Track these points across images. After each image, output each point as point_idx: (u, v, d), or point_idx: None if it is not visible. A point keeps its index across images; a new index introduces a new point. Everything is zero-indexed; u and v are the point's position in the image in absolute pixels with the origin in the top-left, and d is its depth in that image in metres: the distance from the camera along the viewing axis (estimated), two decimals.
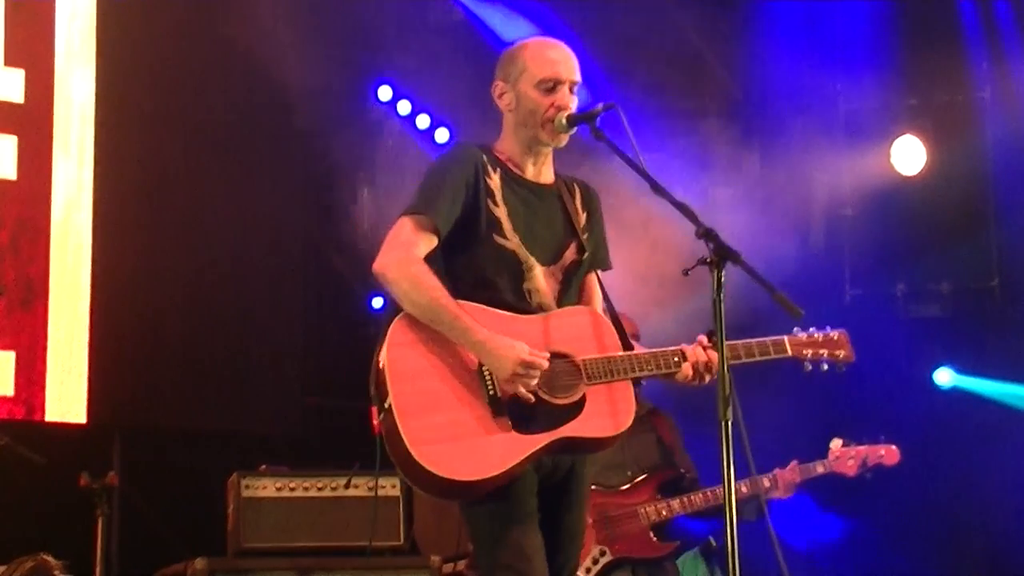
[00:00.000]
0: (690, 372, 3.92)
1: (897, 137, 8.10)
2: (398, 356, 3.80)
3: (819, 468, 6.08)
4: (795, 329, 4.13)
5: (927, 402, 7.84)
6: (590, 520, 5.93)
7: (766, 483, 6.01)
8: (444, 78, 8.44)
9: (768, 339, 4.08)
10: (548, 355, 3.80)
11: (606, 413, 3.84)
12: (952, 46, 8.02)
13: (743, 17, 8.35)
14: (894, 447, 6.11)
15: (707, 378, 3.92)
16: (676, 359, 3.91)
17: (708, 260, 3.57)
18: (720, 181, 7.96)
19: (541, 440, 3.77)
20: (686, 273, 3.65)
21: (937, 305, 8.09)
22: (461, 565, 5.99)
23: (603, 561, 5.96)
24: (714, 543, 6.23)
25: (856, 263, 8.11)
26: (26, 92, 7.18)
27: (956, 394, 8.01)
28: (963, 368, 8.01)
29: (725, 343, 3.67)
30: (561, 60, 4.00)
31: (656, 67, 8.32)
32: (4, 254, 7.03)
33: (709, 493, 5.94)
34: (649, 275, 6.91)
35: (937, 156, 8.02)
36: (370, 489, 5.94)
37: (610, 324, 3.97)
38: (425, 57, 8.51)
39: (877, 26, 8.03)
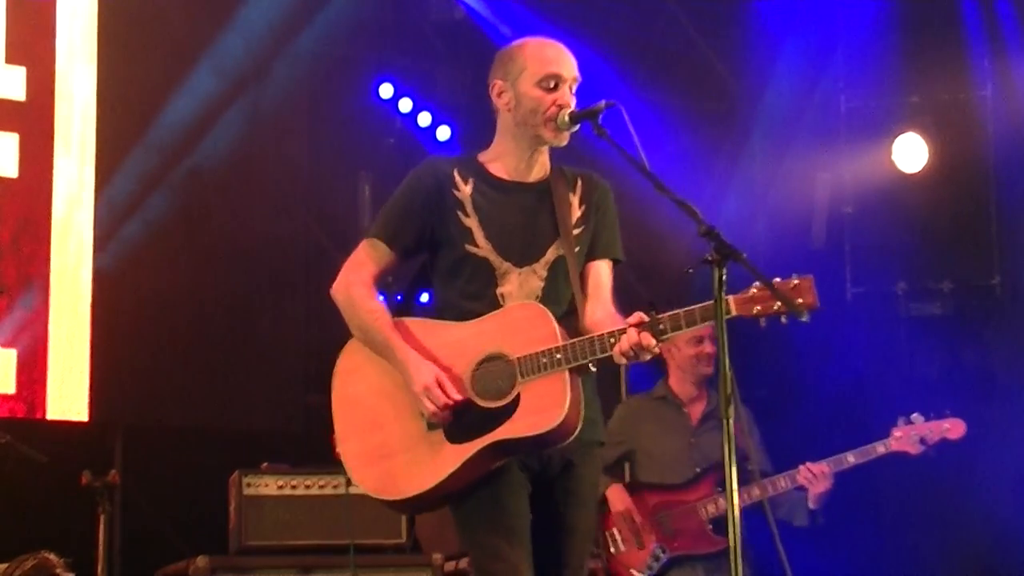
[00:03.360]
0: (620, 356, 3.70)
1: (898, 135, 8.07)
2: (341, 383, 3.98)
3: (850, 458, 5.94)
4: (754, 285, 3.64)
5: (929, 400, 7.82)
6: (641, 519, 5.95)
7: (802, 478, 5.94)
8: (445, 75, 8.45)
9: (709, 303, 3.58)
10: (457, 396, 3.75)
11: (538, 409, 3.73)
12: (954, 43, 8.00)
13: (744, 15, 8.34)
14: (960, 420, 5.95)
15: (641, 357, 3.68)
16: (612, 340, 3.71)
17: (710, 259, 3.50)
18: (721, 180, 7.95)
19: (471, 448, 3.75)
20: (688, 272, 3.61)
21: (938, 303, 8.08)
22: (463, 563, 5.99)
23: (663, 559, 5.96)
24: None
25: (857, 261, 8.09)
26: (27, 90, 7.17)
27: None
28: (965, 366, 7.99)
29: (654, 318, 3.64)
30: (561, 58, 3.98)
31: (657, 65, 8.32)
32: (5, 252, 7.03)
33: (768, 485, 5.87)
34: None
35: (938, 154, 8.00)
36: None
37: (548, 316, 3.80)
38: (426, 55, 8.51)
39: (879, 24, 8.01)
